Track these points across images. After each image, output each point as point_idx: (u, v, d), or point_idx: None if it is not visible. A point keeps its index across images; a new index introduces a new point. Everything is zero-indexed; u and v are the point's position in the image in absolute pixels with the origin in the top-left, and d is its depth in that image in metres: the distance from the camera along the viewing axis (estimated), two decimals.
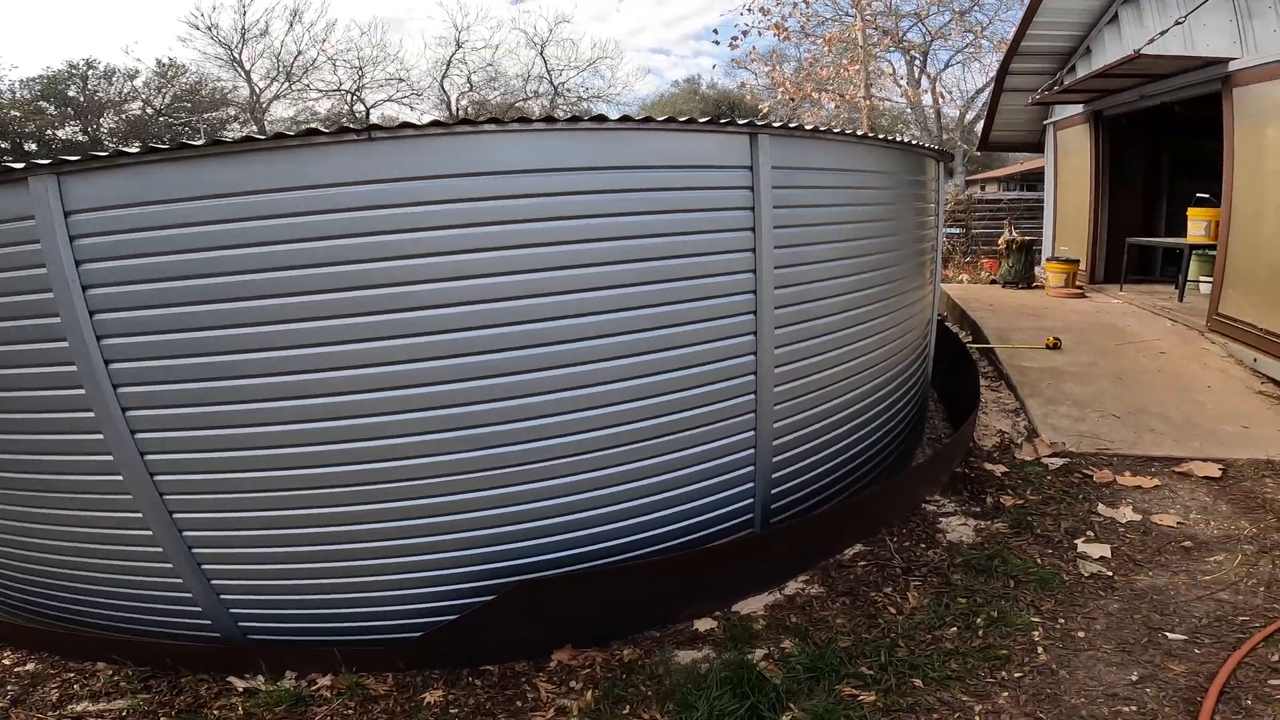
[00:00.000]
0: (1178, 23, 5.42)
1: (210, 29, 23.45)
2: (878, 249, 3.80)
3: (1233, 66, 5.19)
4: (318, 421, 2.54)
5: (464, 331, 2.56)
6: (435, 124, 2.40)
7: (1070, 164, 9.38)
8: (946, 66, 23.37)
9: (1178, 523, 3.45)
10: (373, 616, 2.87)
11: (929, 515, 3.81)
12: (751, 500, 3.40)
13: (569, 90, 27.95)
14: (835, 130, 3.39)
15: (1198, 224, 7.18)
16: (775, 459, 3.39)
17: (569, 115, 2.73)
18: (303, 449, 2.57)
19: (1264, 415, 4.47)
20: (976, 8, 16.29)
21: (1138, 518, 3.52)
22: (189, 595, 2.79)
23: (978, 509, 3.81)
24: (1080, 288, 8.43)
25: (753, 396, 3.19)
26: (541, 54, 27.23)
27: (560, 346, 2.69)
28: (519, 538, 2.82)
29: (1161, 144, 8.73)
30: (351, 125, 2.35)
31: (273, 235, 2.34)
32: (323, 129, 2.31)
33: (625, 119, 2.71)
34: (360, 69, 25.25)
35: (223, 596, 2.80)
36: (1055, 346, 5.58)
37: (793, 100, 13.83)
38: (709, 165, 2.92)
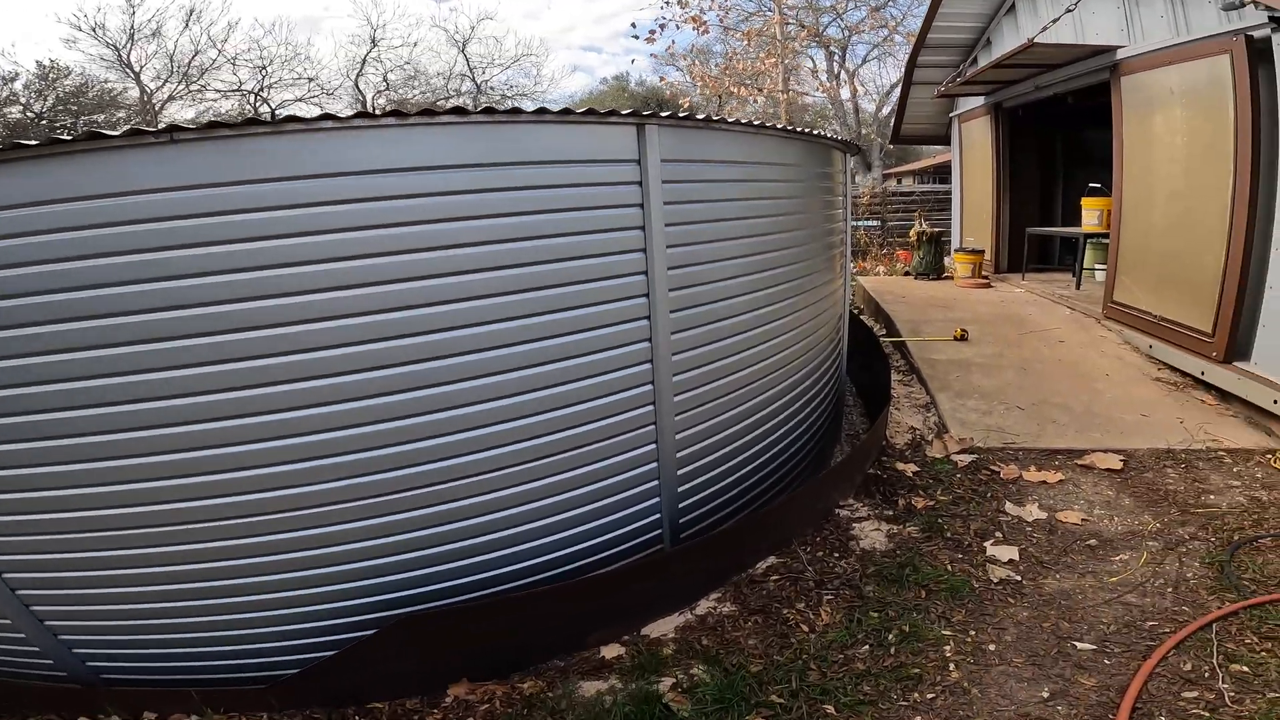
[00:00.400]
0: (1069, 10, 5.51)
1: (96, 30, 21.84)
2: (783, 244, 3.63)
3: (1120, 55, 5.30)
4: (146, 456, 2.21)
5: (319, 351, 2.25)
6: (252, 121, 2.05)
7: (974, 156, 9.60)
8: (864, 62, 23.96)
9: (1082, 519, 3.43)
10: (243, 654, 2.59)
11: (842, 521, 3.68)
12: (659, 516, 3.19)
13: (493, 89, 27.26)
14: (732, 120, 3.17)
15: (1091, 213, 7.41)
16: (681, 471, 3.18)
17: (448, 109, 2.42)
18: (131, 485, 2.25)
19: (1161, 402, 4.56)
20: (891, 3, 16.69)
21: (1044, 515, 3.48)
22: (21, 635, 2.49)
23: (890, 512, 3.70)
24: (986, 278, 8.63)
25: (651, 408, 2.97)
26: (463, 52, 26.47)
27: (436, 363, 2.43)
28: (405, 568, 2.56)
29: (1057, 135, 9.03)
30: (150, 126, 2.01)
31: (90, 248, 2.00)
32: (110, 131, 1.93)
33: (489, 110, 2.40)
34: (263, 68, 23.89)
35: (61, 637, 2.52)
36: (963, 338, 5.61)
37: (719, 97, 13.76)
38: (593, 160, 2.66)
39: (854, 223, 14.89)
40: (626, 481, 3.01)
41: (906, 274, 9.43)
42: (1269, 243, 4.08)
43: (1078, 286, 7.33)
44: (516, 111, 2.43)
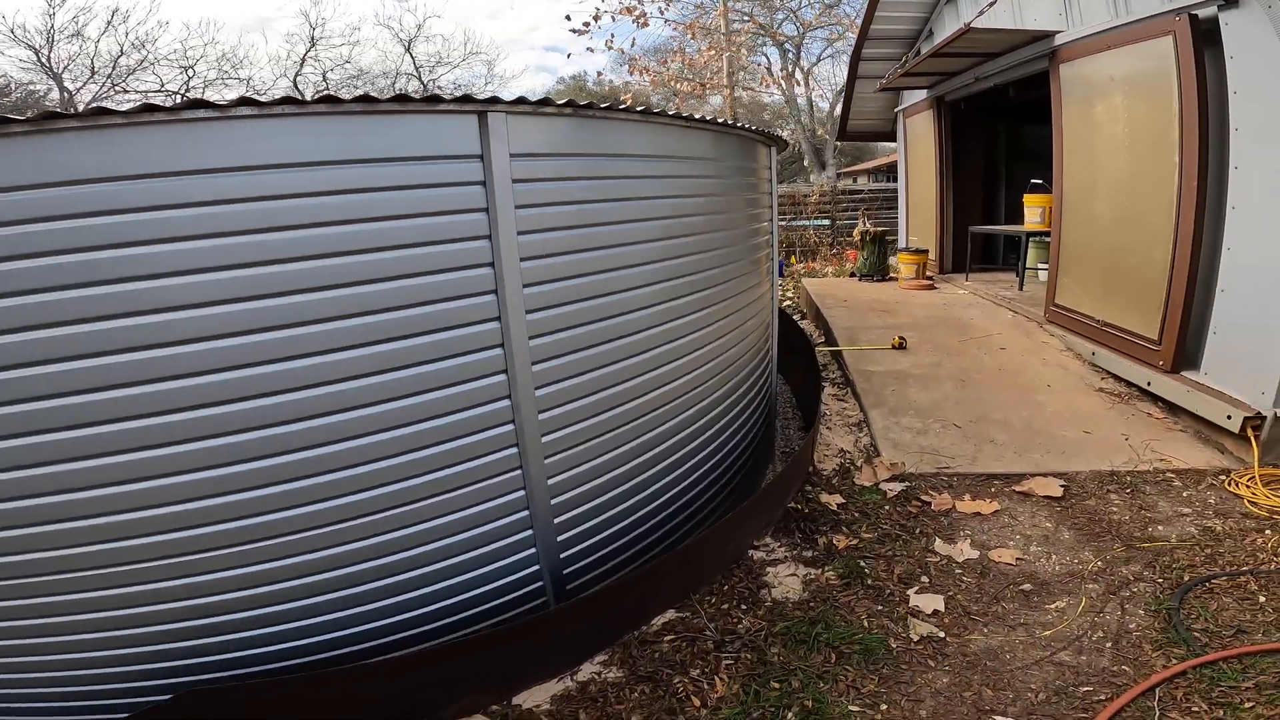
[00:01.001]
0: None
1: (15, 31, 20.69)
2: (691, 249, 3.15)
3: (1059, 40, 4.95)
4: None
5: (128, 388, 1.85)
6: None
7: (918, 151, 9.29)
8: (818, 60, 23.78)
9: (1017, 559, 3.01)
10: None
11: (756, 565, 3.21)
12: (537, 568, 2.68)
13: (440, 88, 26.49)
14: (610, 106, 2.66)
15: (1033, 210, 7.11)
16: (559, 520, 2.68)
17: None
18: None
19: (1104, 416, 4.20)
20: (843, 1, 16.44)
21: (975, 555, 3.06)
22: None
23: (810, 554, 3.24)
24: (930, 278, 8.30)
25: (515, 450, 2.48)
26: (409, 50, 25.63)
27: (263, 401, 2.01)
28: (211, 633, 2.16)
29: (999, 129, 8.77)
30: None
31: None
32: None
33: (287, 100, 1.88)
34: (188, 68, 22.76)
35: None
36: (901, 346, 5.20)
37: (677, 96, 13.29)
38: (427, 157, 2.16)
39: (804, 222, 14.66)
40: (491, 534, 2.54)
41: (853, 275, 9.08)
42: (1219, 240, 3.74)
43: (1020, 287, 7.03)
44: (333, 100, 1.92)
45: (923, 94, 8.55)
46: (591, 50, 9.89)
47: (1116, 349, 4.63)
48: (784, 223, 14.11)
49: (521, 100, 2.26)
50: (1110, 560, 2.95)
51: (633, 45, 11.08)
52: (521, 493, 2.55)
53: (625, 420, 2.78)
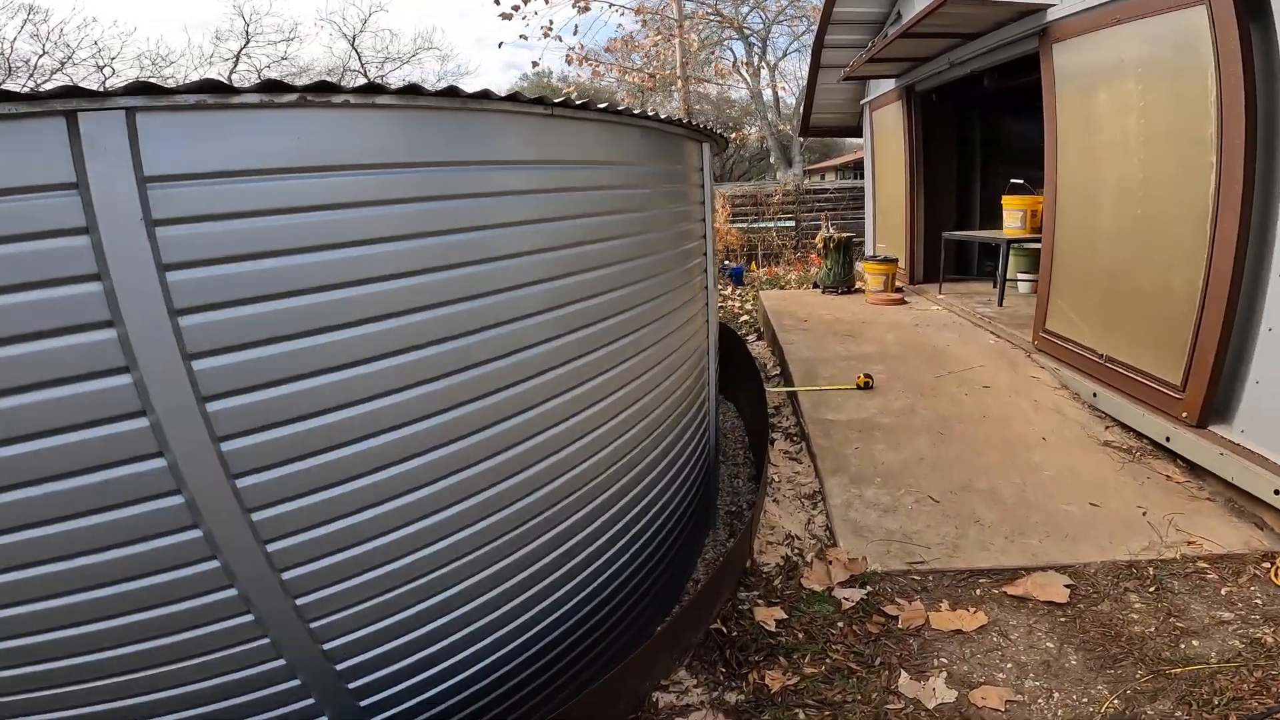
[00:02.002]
0: None
1: None
2: (584, 292, 2.22)
3: (1051, 15, 4.09)
4: None
5: None
6: None
7: (886, 148, 8.46)
8: (785, 55, 23.00)
9: (1007, 703, 2.16)
10: None
11: (661, 713, 2.32)
12: None
13: (388, 84, 25.06)
14: (347, 87, 1.62)
15: (1013, 214, 6.30)
16: (352, 686, 1.77)
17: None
18: None
19: (1114, 481, 3.35)
20: None
21: (952, 697, 2.19)
22: None
23: (734, 696, 2.36)
24: (900, 290, 7.46)
25: (217, 564, 1.52)
26: (353, 45, 24.28)
27: None
28: None
29: (975, 124, 7.95)
30: None
31: None
32: None
33: None
34: (103, 67, 21.16)
35: None
36: (867, 386, 4.31)
37: (643, 91, 12.32)
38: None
39: (766, 224, 13.81)
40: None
41: (816, 286, 8.21)
42: (1266, 265, 2.89)
43: (1000, 302, 6.20)
44: None
45: (891, 84, 7.70)
46: (525, 38, 8.67)
47: (1125, 392, 3.79)
48: (744, 225, 13.24)
49: (146, 86, 1.24)
50: (1132, 697, 2.12)
51: (575, 33, 10.01)
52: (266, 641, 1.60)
53: (385, 528, 1.77)
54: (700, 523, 3.54)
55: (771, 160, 24.43)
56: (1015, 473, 3.46)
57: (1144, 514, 3.14)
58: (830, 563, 2.92)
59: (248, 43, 22.61)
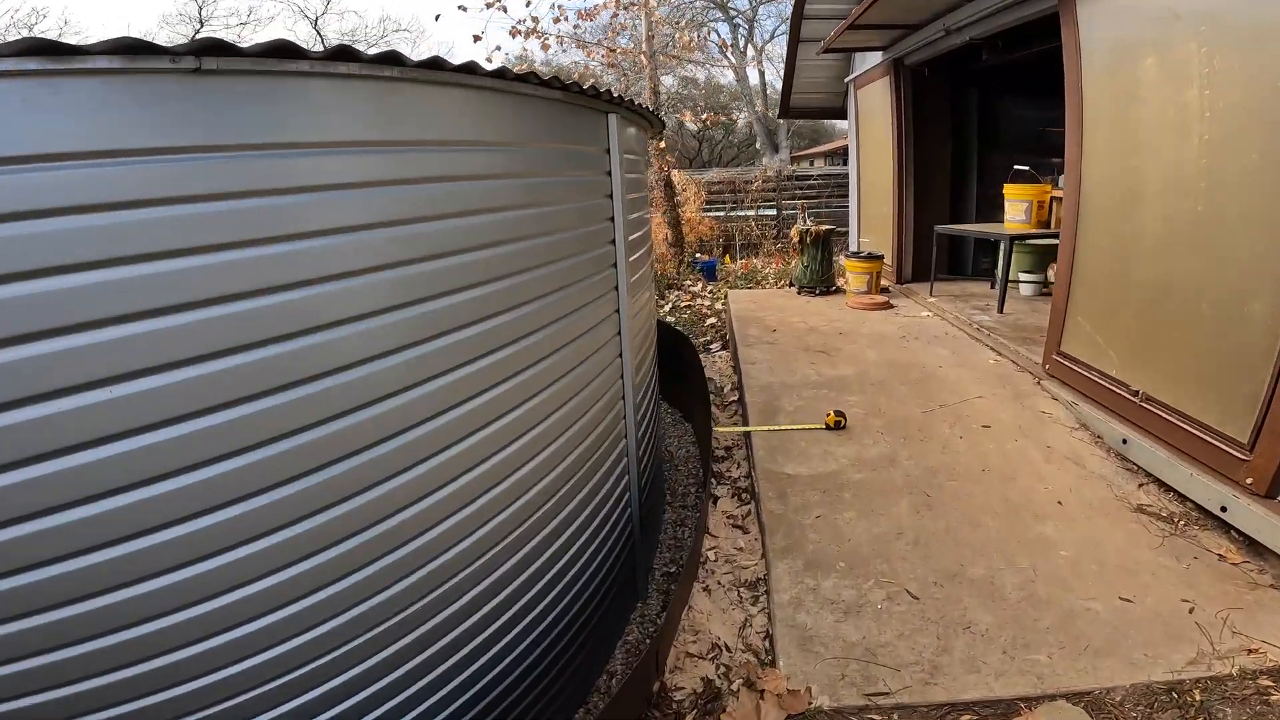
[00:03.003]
0: None
1: None
2: (438, 326, 1.39)
3: None
4: None
5: None
6: None
7: (872, 131, 7.58)
8: (772, 38, 22.08)
9: None
10: None
11: None
12: None
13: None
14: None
15: (1017, 206, 5.44)
16: None
17: None
18: None
19: (1152, 563, 2.52)
20: None
21: None
22: None
23: None
24: (886, 291, 6.62)
25: None
26: (316, 28, 23.03)
27: None
28: None
29: (970, 106, 7.06)
30: None
31: None
32: None
33: None
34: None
35: None
36: (838, 426, 3.44)
37: (623, 76, 11.29)
38: None
39: (745, 213, 12.91)
40: None
41: (792, 285, 7.35)
42: None
43: (1000, 309, 5.36)
44: None
45: (877, 57, 6.80)
46: (464, 9, 7.65)
47: (1167, 442, 2.95)
48: (720, 214, 12.34)
49: None
50: None
51: (528, 5, 8.97)
52: None
53: None
54: (622, 595, 2.72)
55: (758, 146, 23.56)
56: (1021, 552, 2.62)
57: (1190, 610, 2.32)
58: (763, 695, 2.08)
59: (201, 27, 21.27)
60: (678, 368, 4.72)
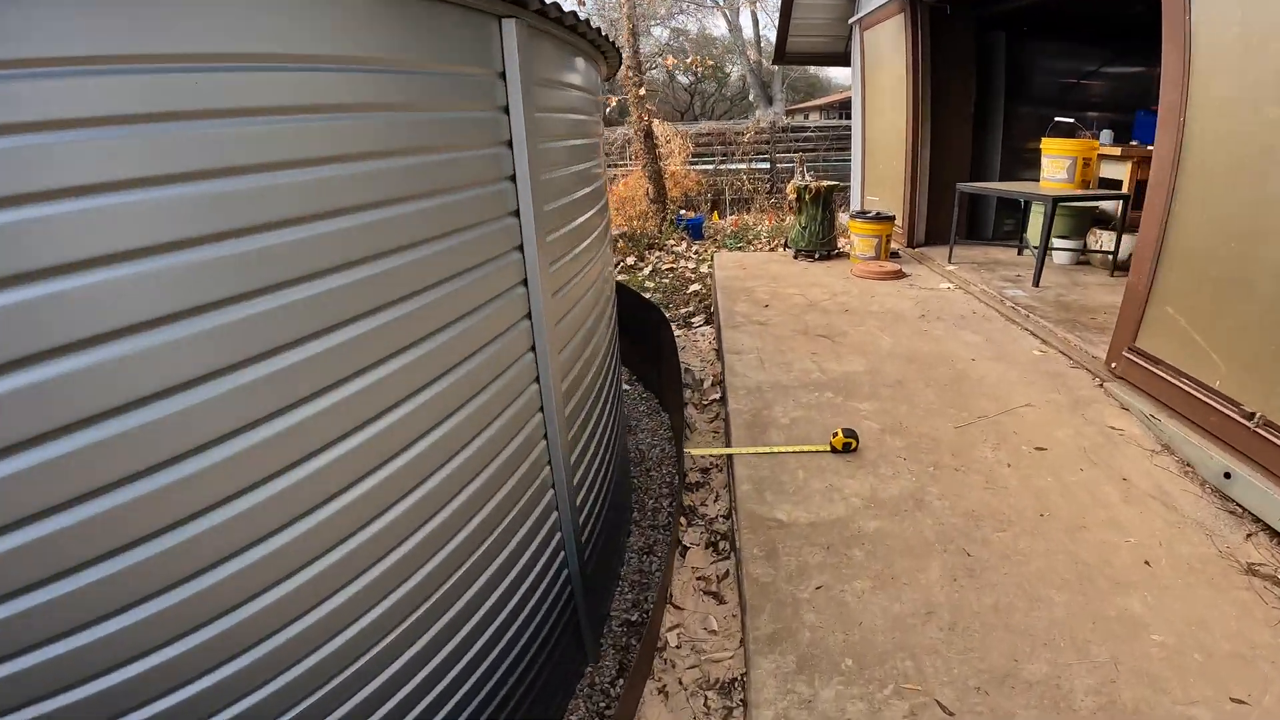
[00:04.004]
0: None
1: None
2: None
3: None
4: None
5: None
6: None
7: (881, 78, 6.60)
8: None
9: None
10: None
11: None
12: None
13: None
14: None
15: (1057, 163, 4.57)
16: None
17: None
18: None
19: (1274, 649, 1.75)
20: None
21: None
22: None
23: None
24: (897, 257, 5.77)
25: None
26: None
27: None
28: None
29: (996, 52, 6.07)
30: None
31: None
32: None
33: None
34: None
35: None
36: (848, 448, 2.60)
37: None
38: None
39: (736, 166, 11.90)
40: None
41: (787, 246, 6.45)
42: None
43: (1036, 281, 4.52)
44: None
45: None
46: None
47: None
48: (709, 167, 11.34)
49: None
50: None
51: None
52: None
53: None
54: (565, 659, 1.96)
55: (751, 98, 22.48)
56: (1098, 638, 1.84)
57: None
58: None
59: None
60: (654, 347, 3.90)
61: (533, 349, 1.64)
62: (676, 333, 5.16)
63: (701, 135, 11.57)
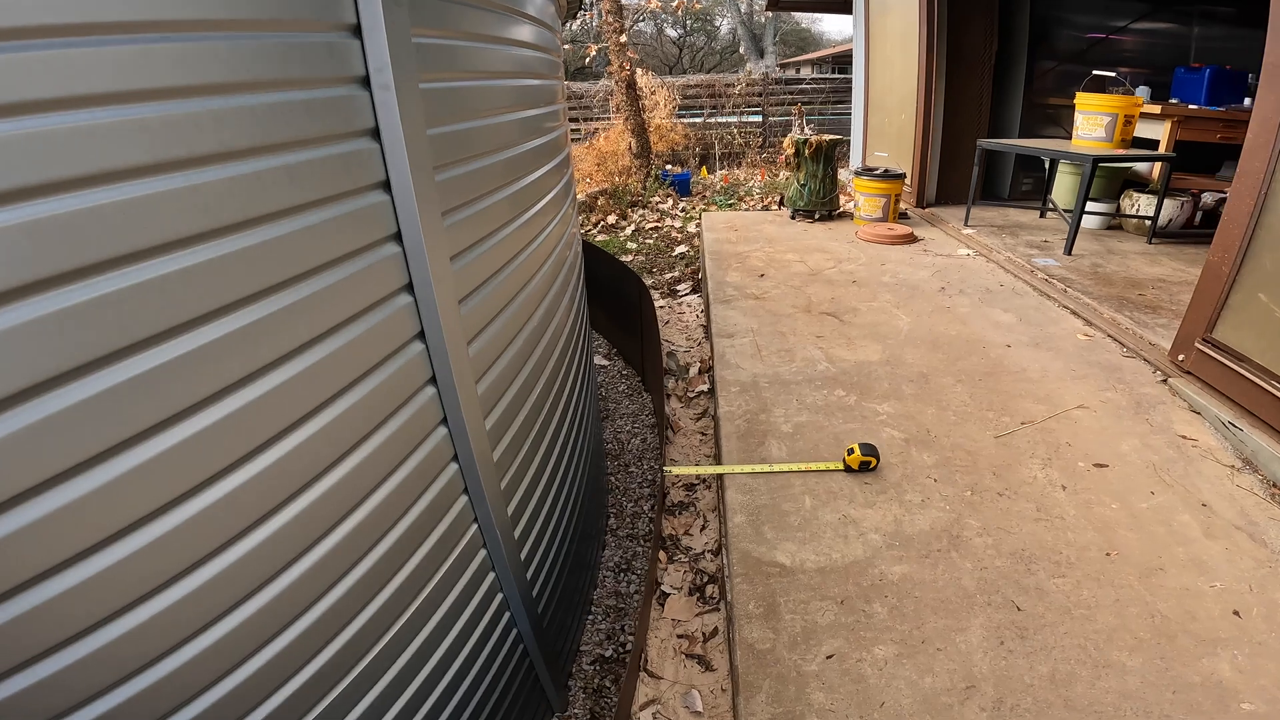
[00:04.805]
0: None
1: None
2: None
3: None
4: None
5: None
6: None
7: (890, 25, 5.93)
8: None
9: None
10: None
11: None
12: None
13: None
14: None
15: (1095, 119, 4.04)
16: None
17: None
18: None
19: None
20: None
21: None
22: None
23: None
24: (907, 219, 5.23)
25: None
26: None
27: None
28: None
29: (1017, 0, 5.44)
30: None
31: None
32: None
33: None
34: None
35: None
36: (866, 466, 2.09)
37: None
38: None
39: (726, 119, 11.19)
40: None
41: (782, 205, 5.87)
42: None
43: (1069, 249, 4.00)
44: None
45: None
46: None
47: None
48: (698, 120, 10.64)
49: None
50: None
51: None
52: None
53: None
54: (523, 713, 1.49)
55: (742, 51, 21.58)
56: (1179, 715, 1.39)
57: None
58: None
59: None
60: (635, 321, 3.39)
61: (432, 381, 1.10)
62: (660, 303, 4.61)
63: (689, 87, 10.82)
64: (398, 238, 0.99)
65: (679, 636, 1.79)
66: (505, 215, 1.39)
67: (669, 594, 1.89)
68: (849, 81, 11.11)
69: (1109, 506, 2.03)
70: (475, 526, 1.34)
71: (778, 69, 19.76)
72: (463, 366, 1.15)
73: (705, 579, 1.94)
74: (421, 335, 1.05)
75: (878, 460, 2.07)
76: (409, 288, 1.02)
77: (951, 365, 2.73)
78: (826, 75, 13.93)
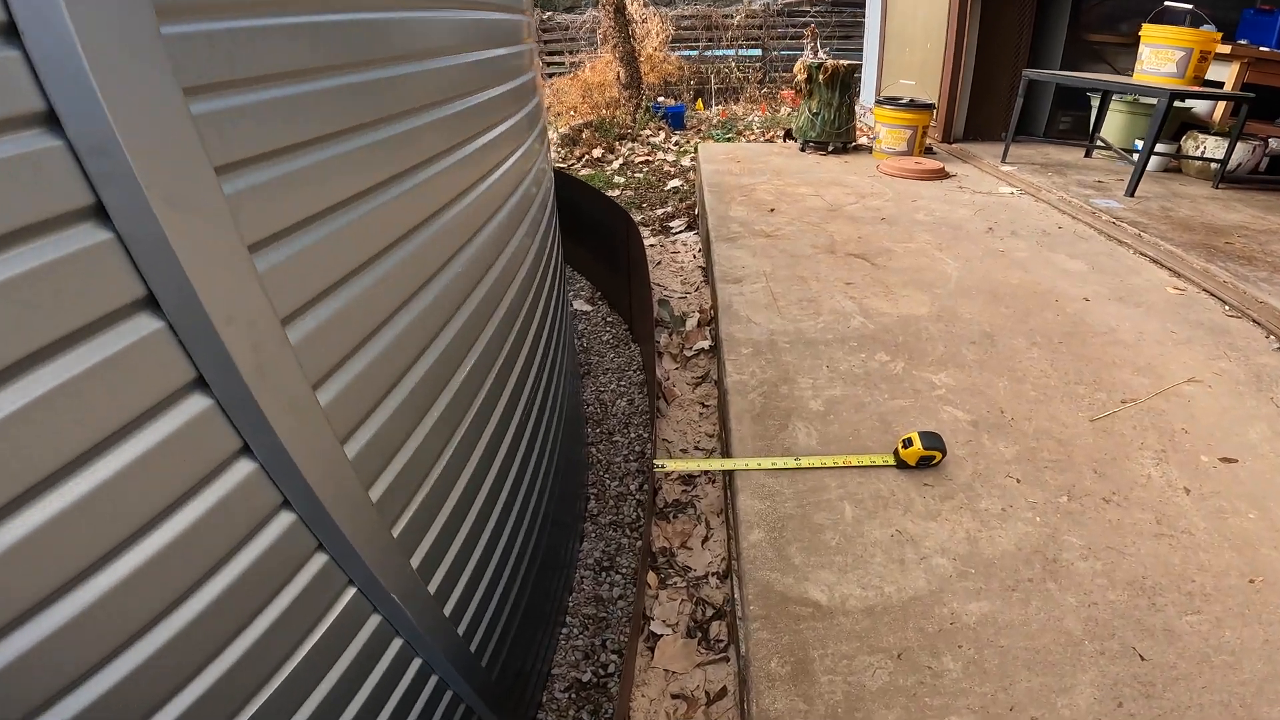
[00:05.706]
0: None
1: None
2: None
3: None
4: None
5: None
6: None
7: None
8: None
9: None
10: None
11: None
12: None
13: None
14: None
15: (1165, 54, 3.50)
16: None
17: None
18: None
19: None
20: None
21: None
22: None
23: None
24: (933, 154, 4.62)
25: None
26: None
27: None
28: None
29: None
30: None
31: None
32: None
33: None
34: None
35: None
36: (927, 462, 1.55)
37: None
38: None
39: (723, 52, 10.35)
40: None
41: (790, 138, 5.22)
42: None
43: (1131, 190, 3.45)
44: None
45: None
46: None
47: None
48: (693, 53, 9.83)
49: None
50: None
51: None
52: None
53: None
54: None
55: None
56: None
57: None
58: None
59: None
60: (621, 258, 2.83)
61: (244, 451, 0.55)
62: (651, 240, 4.02)
63: (684, 18, 9.94)
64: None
65: (674, 697, 1.27)
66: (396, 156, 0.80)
67: (661, 635, 1.36)
68: (857, 15, 10.24)
69: (1246, 516, 1.52)
70: (352, 590, 0.79)
71: (778, 1, 18.59)
72: (303, 423, 0.59)
73: (709, 612, 1.42)
74: (200, 382, 0.49)
75: (943, 454, 1.53)
76: (148, 301, 0.45)
77: (1021, 323, 2.18)
78: (831, 6, 13.00)
